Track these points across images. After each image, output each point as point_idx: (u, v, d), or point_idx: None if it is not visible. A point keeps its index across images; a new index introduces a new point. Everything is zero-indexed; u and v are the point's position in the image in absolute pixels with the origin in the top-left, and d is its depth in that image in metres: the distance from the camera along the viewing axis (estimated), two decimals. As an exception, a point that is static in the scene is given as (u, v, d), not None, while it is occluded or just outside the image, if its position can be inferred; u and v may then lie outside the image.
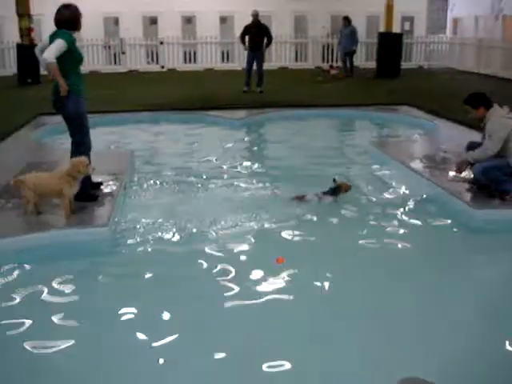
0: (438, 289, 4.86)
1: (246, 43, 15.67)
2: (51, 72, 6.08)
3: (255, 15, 15.48)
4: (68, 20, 6.26)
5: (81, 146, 6.36)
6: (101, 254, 5.49)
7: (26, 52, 18.46)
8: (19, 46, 18.65)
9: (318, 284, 4.85)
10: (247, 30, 15.63)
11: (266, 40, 15.52)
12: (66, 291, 4.76)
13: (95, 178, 6.73)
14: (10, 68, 21.18)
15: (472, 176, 6.87)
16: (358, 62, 24.13)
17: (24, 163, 8.12)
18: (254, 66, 15.58)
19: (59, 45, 5.97)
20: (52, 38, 6.17)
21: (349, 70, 20.14)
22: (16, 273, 5.05)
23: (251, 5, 24.02)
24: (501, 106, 6.71)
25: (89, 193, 6.43)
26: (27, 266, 5.17)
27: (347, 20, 19.94)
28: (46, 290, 4.75)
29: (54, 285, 4.85)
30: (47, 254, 5.31)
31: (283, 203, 6.91)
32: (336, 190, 6.94)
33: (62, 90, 6.14)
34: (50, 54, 5.91)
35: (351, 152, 9.70)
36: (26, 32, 18.50)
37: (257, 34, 15.42)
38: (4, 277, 4.97)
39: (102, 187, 6.82)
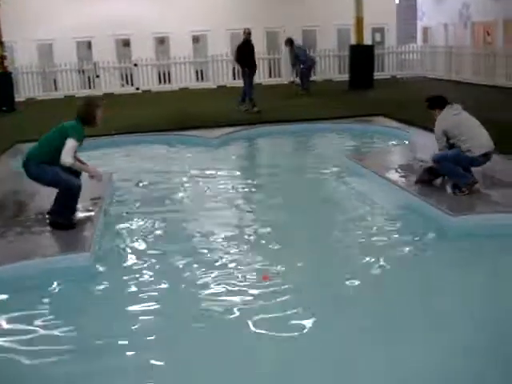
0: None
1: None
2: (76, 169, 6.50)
3: (248, 33, 15.33)
4: (83, 115, 6.55)
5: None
6: (83, 280, 5.49)
7: (0, 79, 18.47)
8: (-8, 74, 18.60)
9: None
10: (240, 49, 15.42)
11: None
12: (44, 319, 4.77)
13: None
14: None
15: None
16: (331, 75, 24.39)
17: (2, 191, 8.13)
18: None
19: (72, 146, 6.33)
20: (67, 126, 6.49)
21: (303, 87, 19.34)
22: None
23: (224, 24, 24.36)
24: (452, 105, 7.30)
25: (71, 221, 6.47)
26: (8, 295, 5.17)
27: (289, 42, 19.11)
28: (28, 317, 4.75)
29: (35, 311, 4.86)
30: (32, 282, 5.32)
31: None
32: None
33: (98, 178, 6.73)
34: (67, 157, 6.28)
35: (327, 165, 9.78)
36: (-1, 60, 18.48)
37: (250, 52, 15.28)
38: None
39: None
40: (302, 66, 19.09)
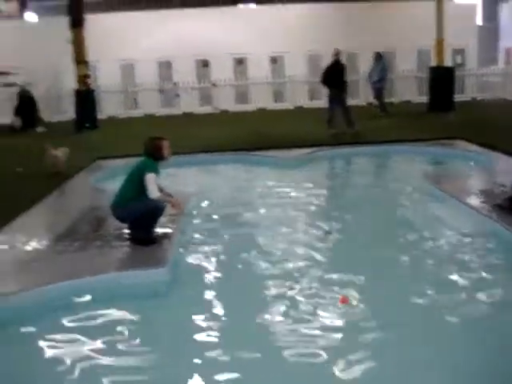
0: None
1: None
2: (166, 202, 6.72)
3: (336, 54, 14.94)
4: (152, 152, 6.70)
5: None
6: (159, 296, 5.57)
7: (83, 98, 19.15)
8: (76, 92, 19.31)
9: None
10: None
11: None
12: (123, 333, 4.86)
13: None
14: (68, 113, 21.90)
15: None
16: (410, 96, 24.06)
17: (84, 207, 8.38)
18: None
19: (153, 179, 6.51)
20: (141, 165, 6.67)
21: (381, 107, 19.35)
22: (74, 316, 5.15)
23: (302, 45, 24.51)
24: None
25: (151, 236, 6.60)
26: (83, 309, 5.27)
27: (379, 55, 19.55)
28: (107, 330, 4.85)
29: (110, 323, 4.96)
30: (104, 297, 5.44)
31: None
32: None
33: (180, 210, 7.02)
34: (154, 193, 6.46)
35: (407, 189, 9.60)
36: (82, 78, 19.16)
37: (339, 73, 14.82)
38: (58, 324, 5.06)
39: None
40: (380, 84, 19.11)
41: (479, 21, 29.52)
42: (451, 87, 20.53)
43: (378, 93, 19.47)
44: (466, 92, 24.32)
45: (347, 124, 14.65)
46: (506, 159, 10.64)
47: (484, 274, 5.86)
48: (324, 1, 25.72)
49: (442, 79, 20.14)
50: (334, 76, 14.73)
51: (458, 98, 21.49)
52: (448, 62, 22.32)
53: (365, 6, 26.23)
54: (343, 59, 15.04)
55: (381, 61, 19.44)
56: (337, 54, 14.96)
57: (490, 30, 29.33)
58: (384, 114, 18.64)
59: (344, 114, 14.71)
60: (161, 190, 6.68)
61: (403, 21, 24.52)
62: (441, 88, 20.01)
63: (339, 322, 4.92)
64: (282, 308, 5.20)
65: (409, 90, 24.44)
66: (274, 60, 25.50)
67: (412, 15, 24.39)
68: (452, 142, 13.04)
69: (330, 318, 5.00)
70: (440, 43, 20.04)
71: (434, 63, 20.96)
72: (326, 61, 24.45)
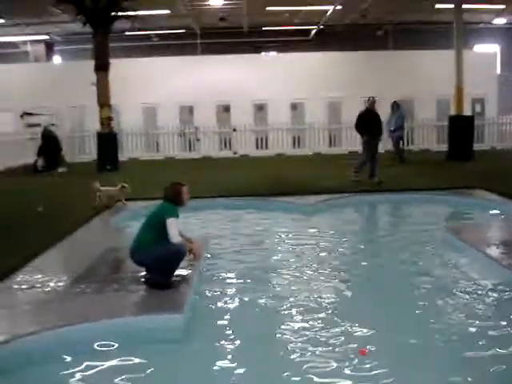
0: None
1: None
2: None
3: (371, 102, 15.04)
4: (172, 197, 6.80)
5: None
6: (175, 342, 5.53)
7: (106, 140, 19.46)
8: (99, 134, 19.64)
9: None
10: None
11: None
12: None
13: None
14: (91, 154, 22.25)
15: None
16: (429, 145, 24.10)
17: (104, 247, 8.44)
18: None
19: (175, 224, 6.58)
20: (161, 210, 6.75)
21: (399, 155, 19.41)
22: (85, 362, 5.10)
23: (322, 92, 24.77)
24: None
25: (169, 281, 6.61)
26: (94, 355, 5.23)
27: (396, 104, 19.77)
28: (119, 375, 4.83)
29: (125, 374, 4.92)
30: (120, 341, 5.42)
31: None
32: None
33: (198, 256, 7.06)
34: (176, 237, 6.53)
35: (426, 238, 9.54)
36: (106, 121, 19.49)
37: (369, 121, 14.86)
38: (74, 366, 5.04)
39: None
40: (398, 132, 19.19)
41: (498, 69, 29.69)
42: (471, 136, 20.56)
43: (396, 141, 19.57)
44: (486, 141, 24.33)
45: (370, 173, 14.62)
46: (526, 209, 10.59)
47: (502, 325, 5.78)
48: (344, 50, 26.09)
49: (461, 128, 20.20)
50: (366, 124, 14.79)
51: (477, 147, 21.51)
52: (467, 111, 22.41)
53: (385, 54, 26.62)
54: (375, 107, 15.00)
55: (398, 110, 19.59)
56: (372, 102, 15.03)
57: (510, 79, 29.43)
58: (402, 163, 18.65)
59: (370, 163, 14.70)
60: (181, 234, 6.72)
61: (423, 69, 24.74)
62: (460, 137, 20.06)
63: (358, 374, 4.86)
64: (299, 360, 5.12)
65: (428, 138, 24.51)
66: (294, 106, 25.76)
67: (432, 64, 24.61)
68: (471, 192, 12.99)
69: (349, 370, 4.93)
70: (459, 92, 20.15)
71: (453, 112, 21.03)
72: (346, 108, 25.00)
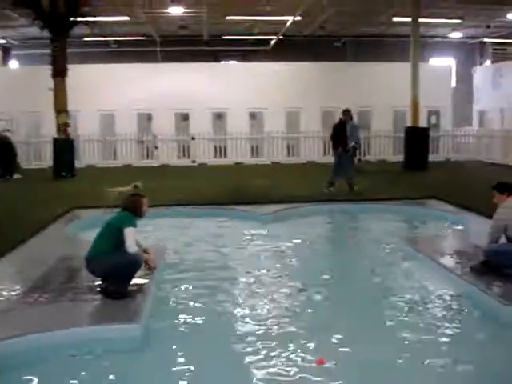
0: None
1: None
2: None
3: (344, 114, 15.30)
4: (131, 208, 6.80)
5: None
6: (132, 352, 5.47)
7: (62, 146, 19.19)
8: (56, 140, 19.36)
9: None
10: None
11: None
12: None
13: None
14: (46, 161, 21.90)
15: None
16: (386, 155, 24.44)
17: (57, 256, 8.31)
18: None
19: (133, 234, 6.57)
20: (119, 219, 6.70)
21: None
22: (39, 372, 5.01)
23: (281, 102, 24.90)
24: None
25: (125, 291, 6.53)
26: (49, 366, 5.14)
27: (348, 115, 19.86)
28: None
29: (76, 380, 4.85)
30: (75, 351, 5.33)
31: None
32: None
33: (153, 268, 7.07)
34: (133, 247, 6.51)
35: (380, 248, 9.66)
36: (62, 127, 19.23)
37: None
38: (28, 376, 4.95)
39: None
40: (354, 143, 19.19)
41: (453, 83, 30.33)
42: (426, 147, 21.03)
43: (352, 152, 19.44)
44: (441, 152, 24.81)
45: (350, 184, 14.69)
46: (479, 219, 10.74)
47: (445, 324, 6.03)
48: (303, 60, 26.30)
49: (417, 139, 20.63)
50: (339, 134, 14.95)
51: (432, 158, 21.95)
52: (423, 123, 22.85)
53: (344, 66, 26.90)
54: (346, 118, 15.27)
55: (351, 121, 19.47)
56: (344, 113, 15.30)
57: (464, 92, 30.11)
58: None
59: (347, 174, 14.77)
60: (137, 244, 6.68)
61: (380, 81, 25.08)
62: (416, 148, 20.48)
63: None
64: (256, 368, 5.12)
65: (385, 149, 24.87)
66: (253, 116, 25.82)
67: (389, 76, 24.98)
68: (426, 202, 13.21)
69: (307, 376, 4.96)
70: (415, 104, 20.53)
71: (409, 123, 21.40)
72: (304, 117, 25.20)
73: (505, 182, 7.43)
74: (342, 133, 14.99)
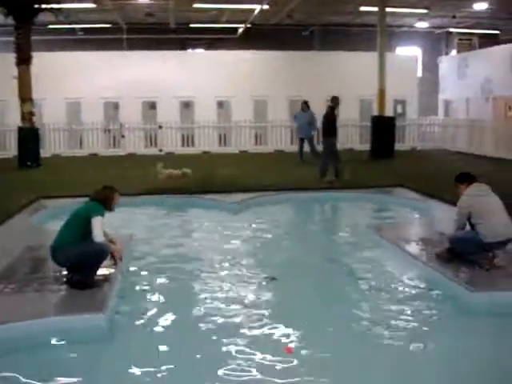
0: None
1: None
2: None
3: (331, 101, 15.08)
4: (102, 199, 6.76)
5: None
6: (97, 342, 5.45)
7: (27, 135, 18.88)
8: (20, 129, 19.03)
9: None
10: None
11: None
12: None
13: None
14: (11, 150, 21.54)
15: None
16: (353, 144, 24.57)
17: (23, 246, 8.21)
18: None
19: (100, 223, 6.51)
20: (88, 208, 6.66)
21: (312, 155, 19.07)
22: (7, 362, 4.98)
23: (248, 90, 24.85)
24: (480, 184, 7.32)
25: (91, 281, 6.48)
26: (13, 357, 5.09)
27: (306, 105, 19.63)
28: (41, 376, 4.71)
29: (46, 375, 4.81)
30: (41, 342, 5.30)
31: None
32: None
33: (118, 260, 6.88)
34: (99, 237, 6.44)
35: (347, 236, 9.75)
36: (27, 116, 18.92)
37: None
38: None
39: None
40: (312, 134, 19.19)
41: (420, 72, 30.63)
42: (392, 136, 21.23)
43: (310, 141, 19.46)
44: (407, 141, 25.03)
45: (336, 172, 14.57)
46: (444, 207, 10.88)
47: (411, 311, 6.13)
48: (271, 49, 26.26)
49: (383, 128, 20.80)
50: (329, 124, 14.73)
51: (398, 146, 22.16)
52: (389, 112, 23.03)
53: (311, 55, 26.96)
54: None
55: (309, 110, 19.49)
56: (332, 101, 15.06)
57: (430, 82, 30.41)
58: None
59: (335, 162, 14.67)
60: (104, 234, 6.64)
61: (347, 70, 25.18)
62: (382, 137, 20.65)
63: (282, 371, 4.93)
64: (225, 355, 5.16)
65: (352, 138, 24.99)
66: (220, 104, 25.73)
67: (356, 65, 25.11)
68: (392, 190, 13.34)
69: (274, 364, 4.99)
70: (382, 93, 20.68)
71: (376, 112, 21.56)
72: (271, 106, 25.18)
73: (464, 172, 7.59)
74: (335, 120, 14.87)
